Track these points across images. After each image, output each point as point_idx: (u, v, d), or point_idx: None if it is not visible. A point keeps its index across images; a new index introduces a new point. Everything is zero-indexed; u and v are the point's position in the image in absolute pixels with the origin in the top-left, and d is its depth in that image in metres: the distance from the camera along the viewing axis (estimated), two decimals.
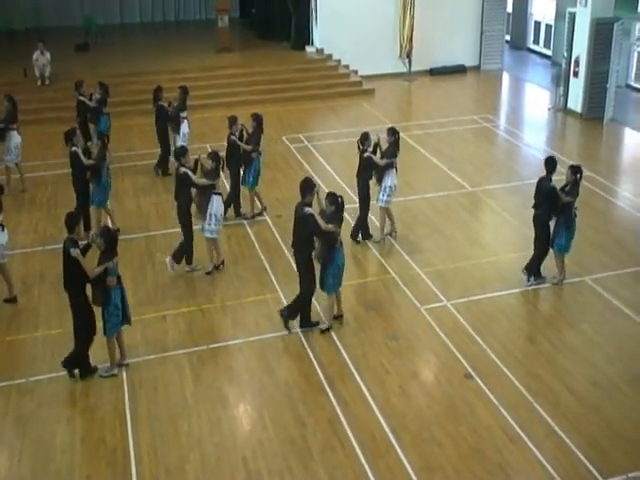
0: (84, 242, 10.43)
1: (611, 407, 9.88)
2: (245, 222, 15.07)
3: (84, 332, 10.35)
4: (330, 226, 10.95)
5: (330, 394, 10.16)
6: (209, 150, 13.61)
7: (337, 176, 17.05)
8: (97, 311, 10.34)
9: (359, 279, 13.13)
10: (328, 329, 11.54)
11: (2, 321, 11.94)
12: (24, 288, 12.69)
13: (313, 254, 11.21)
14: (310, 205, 11.13)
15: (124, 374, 10.56)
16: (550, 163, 12.41)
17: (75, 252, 9.88)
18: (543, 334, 11.53)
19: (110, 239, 10.18)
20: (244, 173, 14.96)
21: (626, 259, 13.57)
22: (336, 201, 11.03)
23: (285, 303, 12.07)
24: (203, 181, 12.85)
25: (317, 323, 11.63)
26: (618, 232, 14.60)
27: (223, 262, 13.44)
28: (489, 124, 21.24)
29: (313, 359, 10.90)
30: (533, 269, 12.69)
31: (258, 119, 14.99)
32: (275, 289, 12.68)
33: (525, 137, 20.41)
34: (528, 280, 12.68)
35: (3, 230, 12.06)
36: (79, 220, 10.40)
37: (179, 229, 13.21)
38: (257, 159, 14.90)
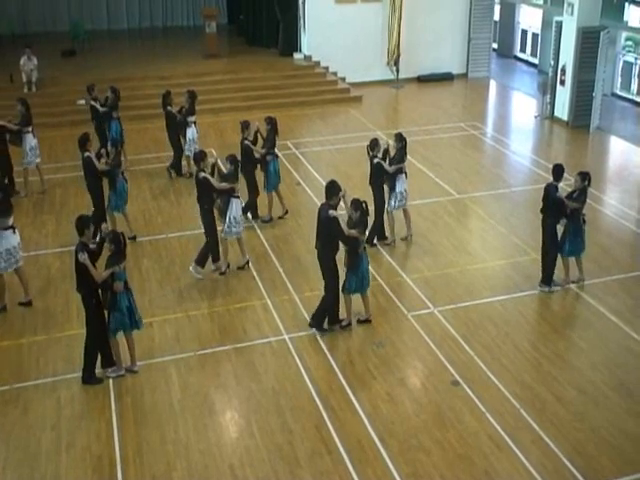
0: (95, 243, 10.40)
1: (597, 413, 9.91)
2: (254, 225, 15.16)
3: (93, 335, 10.33)
4: (353, 231, 11.06)
5: (317, 401, 10.15)
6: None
7: (324, 182, 16.97)
8: None
9: None
10: (349, 324, 11.69)
11: None
12: (9, 295, 12.57)
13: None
14: (335, 208, 11.21)
15: (110, 381, 10.51)
16: (557, 171, 12.48)
17: (82, 257, 9.87)
18: (529, 341, 11.57)
19: (119, 243, 10.15)
20: (264, 178, 15.04)
21: (612, 266, 13.64)
22: (361, 206, 11.13)
23: (273, 310, 12.11)
24: (223, 185, 12.90)
25: (342, 321, 11.69)
26: (604, 240, 14.66)
27: (248, 262, 13.51)
28: (476, 131, 21.31)
29: (300, 366, 10.89)
30: (548, 278, 12.74)
31: (272, 122, 15.06)
32: (263, 296, 12.67)
33: (512, 145, 20.49)
34: (549, 290, 12.76)
35: (14, 232, 12.01)
36: (89, 223, 10.29)
37: (165, 235, 13.17)
38: (273, 162, 14.96)
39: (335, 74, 25.33)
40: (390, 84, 25.82)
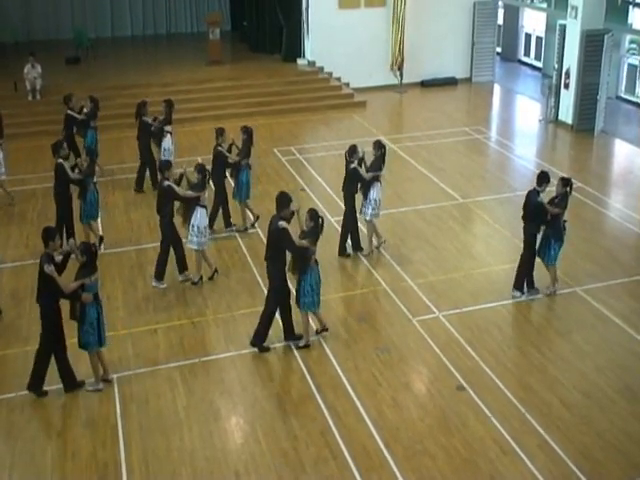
0: (62, 252, 10.32)
1: (602, 417, 9.88)
2: (236, 234, 15.06)
3: (47, 346, 10.23)
4: (304, 242, 10.85)
5: (322, 406, 10.14)
6: (199, 162, 13.54)
7: (328, 188, 17.06)
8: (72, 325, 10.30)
9: (350, 291, 13.13)
10: (307, 345, 11.45)
11: None
12: (14, 303, 12.61)
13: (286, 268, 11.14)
14: (286, 219, 10.99)
15: (115, 388, 10.51)
16: (542, 178, 12.43)
17: (49, 269, 9.76)
18: (534, 345, 11.54)
19: (91, 255, 10.09)
20: (234, 186, 14.94)
21: (616, 270, 13.61)
22: (316, 218, 10.92)
23: (277, 316, 12.05)
24: (189, 193, 12.85)
25: (300, 337, 11.52)
26: (608, 243, 14.64)
27: (217, 270, 13.43)
28: (480, 136, 21.31)
29: (305, 371, 10.88)
30: (519, 282, 12.69)
31: (248, 132, 14.95)
32: None
33: (516, 149, 20.48)
34: (522, 294, 12.70)
35: None
36: (54, 235, 10.20)
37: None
38: (246, 171, 14.87)
39: (339, 79, 25.37)
40: (394, 89, 25.84)
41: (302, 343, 11.47)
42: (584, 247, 14.28)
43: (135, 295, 12.93)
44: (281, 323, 11.50)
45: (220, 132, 14.70)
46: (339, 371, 10.88)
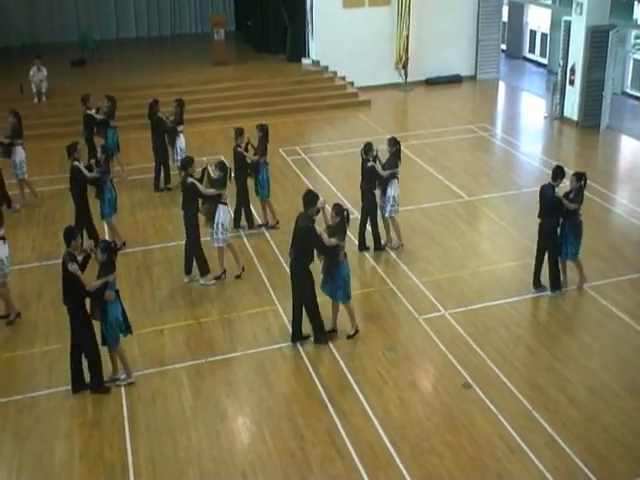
0: (82, 254, 10.45)
1: (609, 414, 9.87)
2: (243, 235, 15.07)
3: (87, 345, 10.34)
4: (333, 240, 10.96)
5: (329, 406, 10.15)
6: (221, 159, 13.55)
7: (334, 187, 17.07)
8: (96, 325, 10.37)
9: (357, 290, 13.08)
10: (357, 332, 11.63)
11: (0, 337, 11.92)
12: (21, 305, 12.64)
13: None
14: (312, 217, 11.13)
15: (122, 389, 10.54)
16: (557, 172, 12.42)
17: (72, 267, 9.88)
18: (541, 342, 11.53)
19: (111, 252, 10.19)
20: (255, 185, 15.03)
21: (623, 266, 13.58)
22: (341, 213, 11.03)
23: (284, 315, 12.13)
24: (211, 191, 12.92)
25: (308, 336, 11.56)
26: (615, 239, 14.61)
27: (225, 272, 13.47)
28: (486, 133, 21.28)
29: (312, 371, 10.89)
30: (556, 282, 12.67)
31: (264, 129, 15.04)
32: (273, 302, 12.68)
33: (522, 146, 20.45)
34: (559, 291, 12.73)
35: (5, 244, 12.03)
36: (76, 234, 10.38)
37: (176, 243, 13.20)
38: (265, 169, 14.95)
39: (343, 78, 25.35)
40: (399, 87, 25.82)
41: (352, 331, 11.60)
42: (590, 243, 14.20)
43: (141, 296, 12.95)
44: (291, 322, 11.55)
45: (239, 132, 14.79)
46: (345, 370, 10.89)
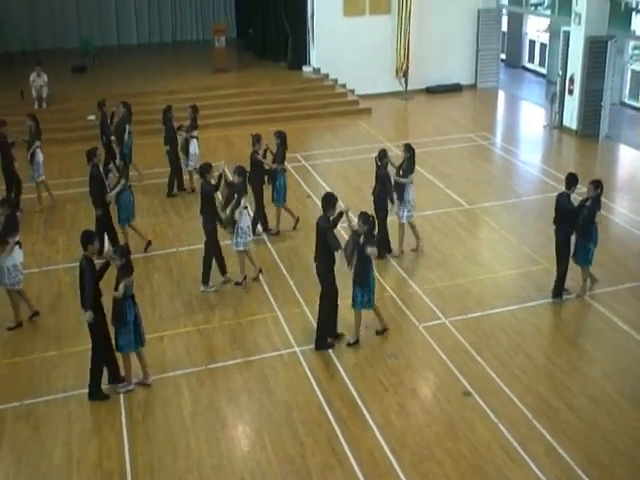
0: (101, 260, 10.47)
1: (610, 423, 9.84)
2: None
3: (98, 350, 10.36)
4: (374, 249, 11.12)
5: (329, 413, 10.12)
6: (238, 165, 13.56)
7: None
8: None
9: None
10: (357, 341, 11.61)
11: None
12: (21, 310, 12.59)
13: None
14: (331, 219, 11.22)
15: (121, 396, 10.51)
16: (571, 180, 12.46)
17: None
18: (542, 350, 11.52)
19: (126, 256, 10.20)
20: (272, 191, 15.08)
21: (623, 275, 13.58)
22: (369, 220, 11.09)
23: (283, 322, 12.12)
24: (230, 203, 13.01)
25: (332, 345, 11.59)
26: (615, 248, 14.60)
27: (261, 270, 13.57)
28: (485, 142, 21.31)
29: (312, 378, 10.87)
30: (559, 290, 12.72)
31: (282, 136, 15.11)
32: (273, 308, 12.67)
33: (521, 154, 20.48)
34: (561, 299, 12.74)
35: (20, 249, 12.04)
36: (94, 238, 10.31)
37: (176, 249, 13.18)
38: (282, 176, 15.02)
39: (344, 86, 25.41)
40: (399, 96, 25.87)
41: (352, 340, 11.61)
42: None
43: (142, 303, 12.76)
44: (316, 326, 11.61)
45: (257, 139, 14.81)
46: (345, 377, 10.86)
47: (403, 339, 11.83)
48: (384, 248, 14.23)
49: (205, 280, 13.25)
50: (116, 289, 10.07)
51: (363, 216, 11.14)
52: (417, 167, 14.51)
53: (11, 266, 11.85)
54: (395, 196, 13.97)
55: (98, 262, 10.35)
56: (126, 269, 10.15)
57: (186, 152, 17.27)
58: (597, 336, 11.90)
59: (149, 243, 14.62)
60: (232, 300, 13.00)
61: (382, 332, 11.87)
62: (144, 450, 9.53)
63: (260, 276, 13.53)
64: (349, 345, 11.57)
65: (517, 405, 10.18)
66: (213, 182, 13.07)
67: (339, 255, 11.24)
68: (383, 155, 13.84)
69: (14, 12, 29.22)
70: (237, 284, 13.36)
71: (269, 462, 9.29)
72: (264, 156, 14.88)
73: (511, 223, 15.77)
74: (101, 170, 14.04)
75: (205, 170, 13.10)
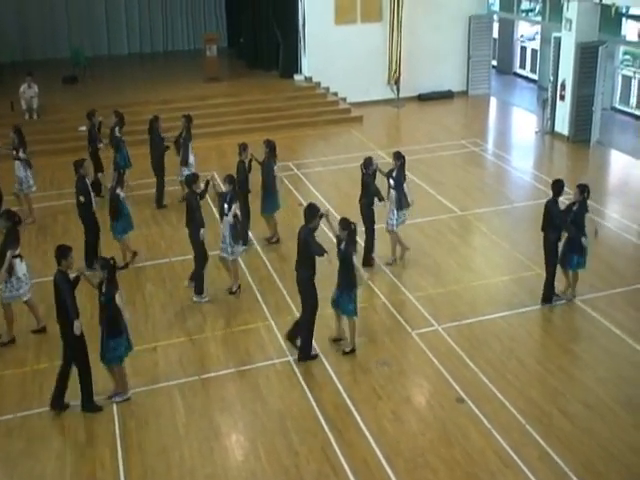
0: (74, 274, 10.40)
1: (604, 429, 9.85)
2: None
3: (81, 363, 10.28)
4: (354, 261, 11.13)
5: (323, 422, 10.11)
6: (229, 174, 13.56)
7: (327, 202, 17.02)
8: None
9: None
10: (353, 350, 11.57)
11: None
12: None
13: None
14: (314, 230, 11.21)
15: (114, 407, 10.48)
16: (556, 186, 12.50)
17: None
18: (534, 356, 11.53)
19: (110, 269, 10.13)
20: (262, 201, 15.05)
21: (615, 280, 13.61)
22: (348, 226, 11.08)
23: (277, 331, 12.10)
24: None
25: (316, 356, 11.53)
26: (606, 253, 14.62)
27: (240, 287, 13.47)
28: (477, 148, 21.35)
29: (305, 387, 10.86)
30: (548, 296, 12.76)
31: (270, 145, 15.02)
32: (266, 317, 12.65)
33: (513, 160, 20.52)
34: (552, 304, 12.77)
35: (21, 261, 12.01)
36: (67, 253, 10.26)
37: (168, 259, 13.15)
38: (272, 185, 14.95)
39: (336, 94, 25.41)
40: (391, 103, 25.89)
41: (348, 348, 11.58)
42: None
43: (133, 313, 12.81)
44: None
45: (243, 148, 14.76)
46: (339, 385, 10.86)
47: (396, 346, 11.83)
48: (371, 256, 14.18)
49: (199, 291, 13.22)
50: (107, 301, 10.02)
51: (342, 222, 11.16)
52: (409, 174, 14.52)
53: (14, 279, 11.84)
54: (387, 195, 13.96)
55: (72, 276, 10.29)
56: (112, 283, 10.06)
57: (186, 163, 17.19)
58: (589, 341, 11.92)
59: (135, 254, 14.54)
60: (225, 309, 12.98)
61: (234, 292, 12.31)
62: (138, 461, 9.50)
63: (238, 291, 13.46)
64: (345, 354, 11.56)
65: (510, 411, 10.19)
66: (198, 192, 13.04)
67: (325, 258, 11.21)
68: (369, 163, 13.81)
69: (3, 22, 29.10)
70: (231, 293, 13.34)
71: (264, 472, 9.28)
72: (249, 165, 14.83)
73: (503, 229, 15.79)
74: (87, 182, 13.98)
75: (191, 180, 13.09)
